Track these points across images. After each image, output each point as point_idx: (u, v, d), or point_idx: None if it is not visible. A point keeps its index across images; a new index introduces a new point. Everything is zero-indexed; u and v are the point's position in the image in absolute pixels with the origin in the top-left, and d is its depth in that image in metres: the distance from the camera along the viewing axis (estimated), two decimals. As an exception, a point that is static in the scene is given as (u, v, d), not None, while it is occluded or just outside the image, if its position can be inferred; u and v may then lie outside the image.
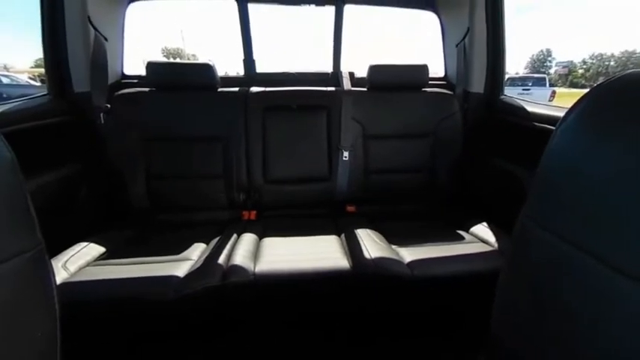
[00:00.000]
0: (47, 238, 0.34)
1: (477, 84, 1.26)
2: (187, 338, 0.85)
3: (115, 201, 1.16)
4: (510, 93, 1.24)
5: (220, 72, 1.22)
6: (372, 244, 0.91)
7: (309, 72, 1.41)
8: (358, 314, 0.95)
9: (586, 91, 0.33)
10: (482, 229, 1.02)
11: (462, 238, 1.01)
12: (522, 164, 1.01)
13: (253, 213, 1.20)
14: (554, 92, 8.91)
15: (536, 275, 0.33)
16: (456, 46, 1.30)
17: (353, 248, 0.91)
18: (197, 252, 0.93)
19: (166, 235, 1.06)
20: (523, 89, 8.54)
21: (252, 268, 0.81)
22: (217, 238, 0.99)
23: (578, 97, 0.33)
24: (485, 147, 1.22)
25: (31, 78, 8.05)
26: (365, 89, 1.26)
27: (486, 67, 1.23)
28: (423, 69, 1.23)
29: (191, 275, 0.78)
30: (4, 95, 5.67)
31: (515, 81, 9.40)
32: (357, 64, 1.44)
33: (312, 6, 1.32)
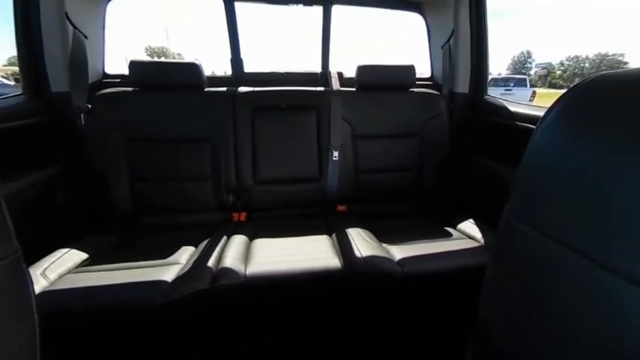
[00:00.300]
0: (25, 245, 0.32)
1: (462, 84, 1.30)
2: (177, 342, 0.84)
3: (96, 204, 1.12)
4: (493, 93, 1.28)
5: (207, 72, 1.20)
6: (362, 243, 0.91)
7: (298, 72, 1.41)
8: (350, 313, 0.95)
9: (564, 91, 0.34)
10: (468, 226, 1.05)
11: (449, 234, 1.03)
12: (506, 162, 1.04)
13: (243, 214, 1.19)
14: (534, 92, 9.26)
15: (520, 269, 0.34)
16: (442, 47, 1.33)
17: (344, 247, 0.91)
18: (185, 255, 0.91)
19: (152, 238, 1.03)
20: (505, 90, 8.84)
21: (243, 271, 0.80)
22: (206, 241, 0.97)
23: (556, 98, 0.35)
24: (471, 146, 1.25)
25: (3, 77, 7.63)
26: (354, 89, 1.27)
27: (470, 68, 1.27)
28: (410, 69, 1.25)
29: (180, 279, 0.77)
30: (-26, 95, 5.33)
31: (498, 82, 9.71)
32: (343, 63, 1.44)
33: (300, 6, 1.31)
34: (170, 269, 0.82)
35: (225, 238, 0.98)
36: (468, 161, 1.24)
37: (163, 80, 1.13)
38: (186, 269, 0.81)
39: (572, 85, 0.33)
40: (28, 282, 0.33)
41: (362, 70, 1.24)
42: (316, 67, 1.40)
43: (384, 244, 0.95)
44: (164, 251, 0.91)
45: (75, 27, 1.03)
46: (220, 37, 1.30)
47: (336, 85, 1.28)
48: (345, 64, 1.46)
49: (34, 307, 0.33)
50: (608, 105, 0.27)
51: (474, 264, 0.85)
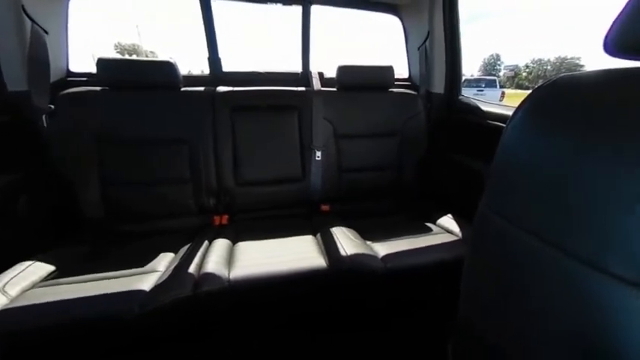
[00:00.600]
0: None
1: (438, 85, 1.35)
2: (157, 350, 0.80)
3: (64, 213, 1.04)
4: (467, 93, 1.34)
5: (183, 72, 1.15)
6: (347, 242, 0.92)
7: (278, 72, 1.39)
8: (336, 311, 0.96)
9: (529, 92, 0.37)
10: (447, 221, 1.10)
11: (429, 229, 1.07)
12: (480, 159, 1.10)
13: (225, 217, 1.16)
14: (503, 93, 9.83)
15: (494, 260, 0.36)
16: (418, 49, 1.37)
17: (329, 247, 0.91)
18: (164, 263, 0.87)
19: (128, 247, 0.98)
20: (477, 90, 9.31)
21: (227, 275, 0.78)
22: (187, 247, 0.94)
23: (523, 98, 0.37)
24: (447, 144, 1.31)
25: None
26: (334, 89, 1.28)
27: (445, 69, 1.32)
28: (388, 70, 1.28)
29: (159, 288, 0.73)
30: None
31: (471, 82, 10.21)
32: (327, 63, 1.45)
33: (279, 5, 1.30)
34: (148, 278, 0.78)
35: (206, 242, 0.95)
36: (445, 159, 1.29)
37: (136, 79, 1.07)
38: (165, 277, 0.77)
39: (536, 87, 0.35)
40: None
41: (342, 70, 1.25)
42: (299, 67, 1.40)
43: (368, 242, 0.97)
44: (141, 259, 0.87)
45: (33, 21, 0.95)
46: (199, 36, 1.26)
47: (317, 85, 1.28)
48: (327, 63, 1.47)
49: None
50: (568, 105, 0.30)
51: (453, 257, 0.88)
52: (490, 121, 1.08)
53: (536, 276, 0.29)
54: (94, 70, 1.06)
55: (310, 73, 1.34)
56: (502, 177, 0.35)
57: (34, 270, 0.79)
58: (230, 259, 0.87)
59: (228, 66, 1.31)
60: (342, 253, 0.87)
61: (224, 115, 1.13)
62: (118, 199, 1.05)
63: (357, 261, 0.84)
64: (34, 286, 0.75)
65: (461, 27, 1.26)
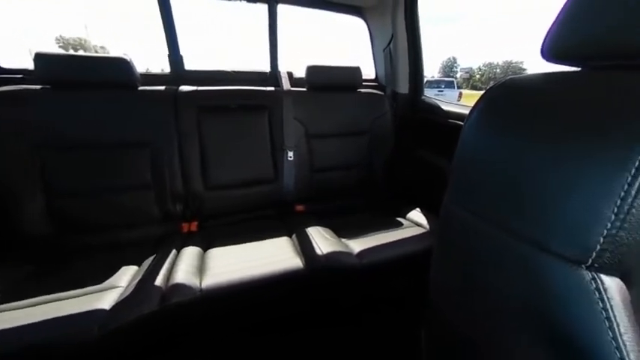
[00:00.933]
0: None
1: (403, 85, 1.41)
2: None
3: (1, 229, 0.91)
4: (429, 94, 1.43)
5: (141, 69, 1.07)
6: (322, 241, 0.93)
7: (246, 71, 1.36)
8: (313, 310, 0.96)
9: (482, 92, 0.40)
10: (416, 214, 1.15)
11: (400, 224, 1.12)
12: (443, 155, 1.17)
13: (194, 224, 1.10)
14: (460, 93, 10.63)
15: (458, 248, 0.39)
16: (383, 50, 1.42)
17: (305, 247, 0.91)
18: (126, 277, 0.80)
19: (82, 263, 0.88)
20: (438, 91, 9.94)
21: (198, 284, 0.74)
22: (152, 258, 0.87)
23: (477, 98, 0.40)
24: (413, 141, 1.38)
25: None
26: (304, 89, 1.28)
27: (409, 70, 1.39)
28: (356, 71, 1.32)
29: (121, 305, 0.67)
30: None
31: (432, 84, 10.86)
32: (290, 62, 1.44)
33: (244, 2, 1.27)
34: (108, 295, 0.71)
35: (174, 251, 0.90)
36: (412, 156, 1.36)
37: (83, 77, 0.96)
38: (128, 292, 0.71)
39: (488, 88, 0.38)
40: None
41: (311, 70, 1.26)
42: (265, 67, 1.37)
43: (343, 240, 0.99)
44: (99, 276, 0.79)
45: None
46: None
47: (286, 84, 1.27)
48: (299, 64, 1.46)
49: None
50: (517, 105, 0.33)
51: (423, 248, 0.93)
52: (450, 120, 1.16)
53: (495, 262, 0.32)
54: (31, 66, 0.94)
55: (279, 72, 1.33)
56: (462, 172, 0.37)
57: None
58: (201, 267, 0.83)
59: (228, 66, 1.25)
60: (318, 252, 0.87)
61: (189, 115, 1.07)
62: (67, 211, 0.94)
63: (333, 259, 0.85)
64: None
65: (427, 29, 1.33)
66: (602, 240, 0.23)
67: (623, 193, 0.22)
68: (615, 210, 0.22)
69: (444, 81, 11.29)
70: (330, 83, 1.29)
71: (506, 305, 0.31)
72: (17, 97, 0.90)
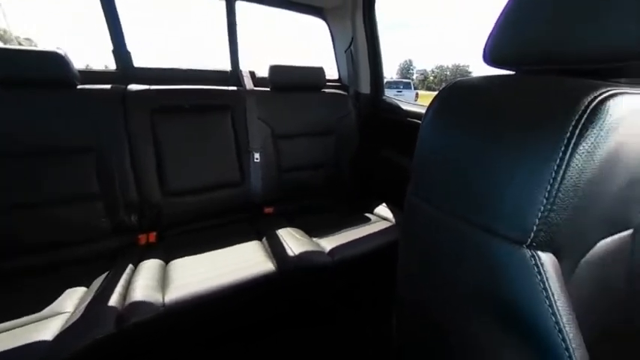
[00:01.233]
0: None
1: (365, 86, 1.47)
2: None
3: None
4: (389, 94, 1.50)
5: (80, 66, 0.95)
6: (294, 241, 0.92)
7: (205, 69, 1.29)
8: (287, 312, 0.96)
9: (436, 93, 0.43)
10: (382, 210, 1.21)
11: (368, 219, 1.16)
12: (404, 152, 1.25)
13: (152, 235, 1.01)
14: (417, 94, 11.38)
15: (420, 239, 0.42)
16: (345, 51, 1.46)
17: (276, 249, 0.90)
18: (73, 300, 0.71)
19: (18, 289, 0.76)
20: (397, 91, 10.50)
21: (161, 299, 0.69)
22: (104, 276, 0.78)
23: (432, 98, 0.44)
24: (376, 140, 1.44)
25: None
26: (268, 89, 1.26)
27: (370, 71, 1.45)
28: (320, 71, 1.33)
29: (66, 333, 0.59)
30: None
31: (391, 84, 11.44)
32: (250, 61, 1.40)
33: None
34: (51, 323, 0.62)
35: (130, 267, 0.82)
36: (376, 153, 1.42)
37: (7, 73, 0.83)
38: (75, 318, 0.63)
39: (441, 89, 0.42)
40: None
41: (274, 70, 1.24)
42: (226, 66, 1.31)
43: (314, 239, 0.99)
44: (40, 302, 0.68)
45: None
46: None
47: (249, 84, 1.24)
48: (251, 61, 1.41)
49: None
50: (464, 104, 0.36)
51: (391, 240, 0.98)
52: (410, 119, 1.24)
53: (454, 249, 0.35)
54: None
55: (241, 71, 1.28)
56: (422, 168, 0.40)
57: None
58: (163, 281, 0.77)
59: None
60: (290, 253, 0.87)
61: (142, 117, 0.98)
62: None
63: (305, 259, 0.85)
64: None
65: (384, 33, 1.40)
66: (537, 222, 0.26)
67: (551, 180, 0.25)
68: (546, 195, 0.26)
69: (402, 82, 11.97)
70: (294, 83, 1.28)
71: (466, 290, 0.34)
72: None
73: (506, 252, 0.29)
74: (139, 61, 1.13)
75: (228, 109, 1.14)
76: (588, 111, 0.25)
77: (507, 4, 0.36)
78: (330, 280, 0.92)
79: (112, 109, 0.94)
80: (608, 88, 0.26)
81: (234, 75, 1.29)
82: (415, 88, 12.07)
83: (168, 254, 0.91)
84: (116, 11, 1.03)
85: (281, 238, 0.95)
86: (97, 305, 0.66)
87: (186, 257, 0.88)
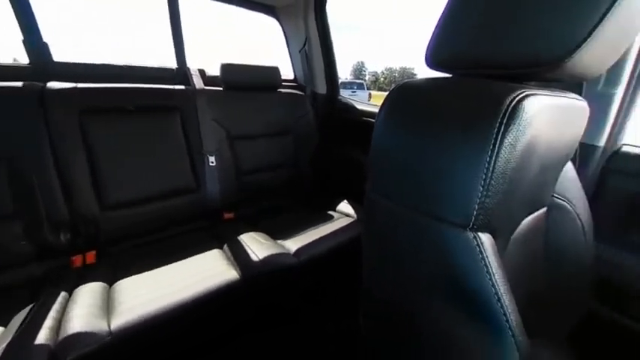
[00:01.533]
0: None
1: (321, 86, 1.49)
2: None
3: None
4: (344, 94, 1.55)
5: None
6: (257, 246, 0.90)
7: (146, 66, 1.16)
8: (253, 317, 0.93)
9: (387, 93, 0.46)
10: (344, 206, 1.24)
11: (331, 217, 1.18)
12: (362, 150, 1.30)
13: (91, 254, 0.88)
14: (370, 94, 11.97)
15: (379, 230, 0.44)
16: (299, 51, 1.46)
17: (239, 256, 0.86)
18: None
19: None
20: (351, 92, 10.91)
21: (106, 327, 0.61)
22: (29, 308, 0.66)
23: (383, 98, 0.47)
24: (335, 139, 1.47)
25: None
26: (220, 89, 1.20)
27: (325, 72, 1.47)
28: (275, 71, 1.31)
29: None
30: None
31: (346, 85, 11.84)
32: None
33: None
34: None
35: (63, 295, 0.70)
36: (335, 152, 1.45)
37: None
38: None
39: (390, 90, 0.44)
40: None
41: (227, 69, 1.18)
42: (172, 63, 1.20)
43: (278, 241, 0.98)
44: None
45: None
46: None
47: (199, 83, 1.16)
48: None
49: None
50: (411, 104, 0.39)
51: (354, 236, 1.02)
52: (364, 118, 1.30)
53: (410, 238, 0.38)
54: None
55: (188, 69, 1.19)
56: (377, 164, 0.42)
57: None
58: (108, 306, 0.68)
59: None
60: (254, 258, 0.84)
61: (67, 119, 0.85)
62: None
63: (271, 263, 0.83)
64: None
65: (337, 35, 1.43)
66: (476, 207, 0.30)
67: (485, 170, 0.29)
68: (482, 183, 0.30)
69: (355, 83, 12.47)
70: (248, 83, 1.24)
71: (424, 276, 0.37)
72: None
73: (454, 236, 0.32)
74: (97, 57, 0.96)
75: (177, 109, 1.05)
76: (509, 110, 0.29)
77: (442, 13, 0.40)
78: (296, 280, 0.91)
79: (25, 111, 0.80)
80: (523, 90, 0.30)
81: (180, 73, 1.19)
82: (368, 89, 12.69)
83: (112, 275, 0.80)
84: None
85: (244, 243, 0.92)
86: (19, 344, 0.55)
87: (135, 276, 0.79)
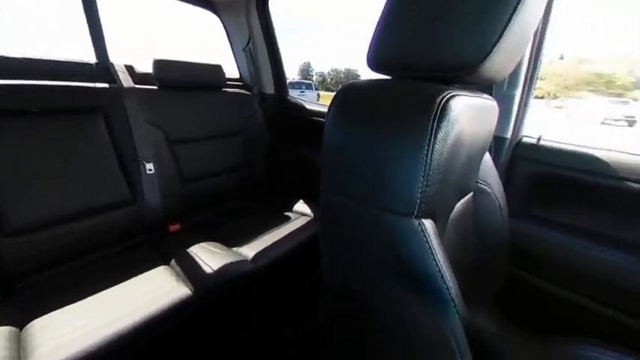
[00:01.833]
0: None
1: (269, 86, 1.46)
2: None
3: None
4: (293, 94, 1.55)
5: None
6: (211, 256, 0.84)
7: (55, 59, 0.97)
8: (211, 330, 0.87)
9: (334, 94, 0.48)
10: (300, 206, 1.25)
11: (288, 218, 1.17)
12: (315, 149, 1.32)
13: None
14: (319, 95, 12.24)
15: (337, 226, 0.46)
16: (243, 50, 1.41)
17: (190, 270, 0.79)
18: None
19: None
20: (300, 92, 10.97)
21: None
22: None
23: (331, 98, 0.48)
24: (287, 139, 1.46)
25: None
26: (155, 87, 1.08)
27: (272, 72, 1.45)
28: (217, 69, 1.23)
29: None
30: None
31: (295, 85, 11.85)
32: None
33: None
34: None
35: None
36: (288, 152, 1.45)
37: None
38: None
39: (337, 90, 0.46)
40: None
41: (160, 65, 1.06)
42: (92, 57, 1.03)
43: (234, 248, 0.93)
44: None
45: None
46: None
47: (126, 81, 1.02)
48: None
49: None
50: (356, 104, 0.42)
51: (312, 234, 1.03)
52: (315, 117, 1.32)
53: (364, 229, 0.40)
54: None
55: (112, 65, 1.04)
56: (329, 162, 0.44)
57: None
58: (20, 352, 0.55)
59: None
60: (208, 270, 0.78)
61: None
62: None
63: (227, 272, 0.79)
64: None
65: (284, 36, 1.41)
66: (419, 196, 0.33)
67: (424, 162, 0.33)
68: (423, 174, 0.33)
69: (304, 83, 12.59)
70: (187, 81, 1.14)
71: (379, 265, 0.40)
72: None
73: (402, 224, 0.35)
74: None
75: (99, 111, 0.91)
76: (440, 108, 0.33)
77: (379, 18, 0.43)
78: (256, 286, 0.88)
79: None
80: (449, 92, 0.35)
81: (102, 69, 1.03)
82: (316, 89, 12.93)
83: (24, 314, 0.65)
84: None
85: (194, 255, 0.85)
86: None
87: (57, 311, 0.66)
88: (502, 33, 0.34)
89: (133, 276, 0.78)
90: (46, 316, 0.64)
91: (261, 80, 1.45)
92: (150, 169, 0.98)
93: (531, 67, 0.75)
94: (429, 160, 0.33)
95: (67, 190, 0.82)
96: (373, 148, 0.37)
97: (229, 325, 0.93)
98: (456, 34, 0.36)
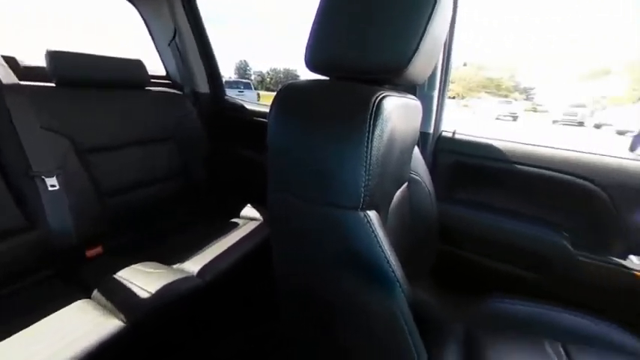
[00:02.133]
0: None
1: (202, 84, 1.35)
2: None
3: None
4: (230, 94, 1.46)
5: None
6: (145, 278, 0.73)
7: None
8: (161, 352, 0.77)
9: (275, 94, 0.47)
10: (248, 210, 1.19)
11: (236, 224, 1.10)
12: (258, 150, 1.27)
13: None
14: (259, 94, 11.88)
15: (288, 225, 0.46)
16: (169, 45, 1.27)
17: (119, 298, 0.68)
18: None
19: None
20: (238, 92, 10.47)
21: None
22: None
23: (272, 98, 0.47)
24: (227, 141, 1.38)
25: None
26: (52, 85, 0.88)
27: (205, 70, 1.34)
28: (138, 64, 1.08)
29: None
30: None
31: (232, 84, 11.24)
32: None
33: None
34: None
35: None
36: (230, 154, 1.36)
37: None
38: None
39: (278, 90, 0.46)
40: None
41: (56, 57, 0.87)
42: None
43: (175, 265, 0.83)
44: None
45: None
46: None
47: (7, 76, 0.80)
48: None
49: None
50: (297, 103, 0.42)
51: (264, 238, 0.99)
52: (257, 118, 1.28)
53: (317, 227, 0.41)
54: None
55: None
56: (275, 162, 0.43)
57: None
58: None
59: None
60: (143, 295, 0.68)
61: None
62: None
63: (169, 293, 0.70)
64: None
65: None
66: (363, 190, 0.36)
67: (365, 158, 0.35)
68: (364, 169, 0.35)
69: (242, 82, 12.06)
70: (96, 78, 0.97)
71: (332, 259, 0.42)
72: None
73: (350, 217, 0.37)
74: None
75: None
76: (374, 108, 0.35)
77: (315, 19, 0.44)
78: (205, 302, 0.81)
79: None
80: (382, 92, 0.38)
81: None
82: (255, 89, 12.53)
83: None
84: None
85: (124, 281, 0.73)
86: None
87: None
88: (420, 40, 0.38)
89: (48, 315, 0.63)
90: None
91: (193, 78, 1.33)
92: (53, 185, 0.79)
93: (444, 71, 0.87)
94: (369, 156, 0.35)
95: None
96: (316, 146, 0.38)
97: (175, 348, 0.84)
98: (384, 40, 0.40)
